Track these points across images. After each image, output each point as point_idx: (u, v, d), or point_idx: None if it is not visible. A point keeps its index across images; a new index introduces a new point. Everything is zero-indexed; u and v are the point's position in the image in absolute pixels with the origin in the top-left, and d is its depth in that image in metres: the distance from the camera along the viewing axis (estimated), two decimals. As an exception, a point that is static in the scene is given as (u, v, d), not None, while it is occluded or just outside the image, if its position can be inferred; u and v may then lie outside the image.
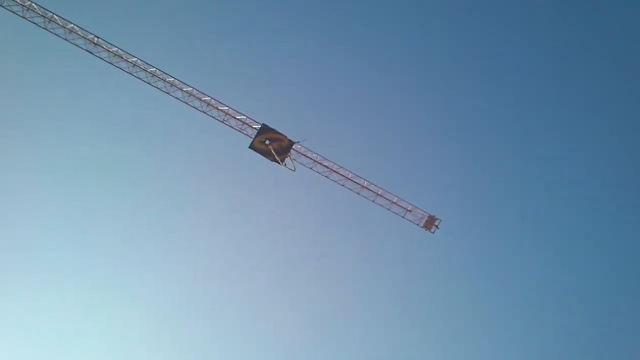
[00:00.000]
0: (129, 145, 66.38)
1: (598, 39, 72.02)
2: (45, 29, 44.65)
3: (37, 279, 63.03)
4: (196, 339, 65.65)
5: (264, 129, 46.01)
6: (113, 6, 64.05)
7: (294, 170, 46.57)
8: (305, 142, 46.47)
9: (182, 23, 67.33)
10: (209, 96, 46.06)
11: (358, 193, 47.61)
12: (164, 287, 66.75)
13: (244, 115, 46.41)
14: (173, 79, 45.65)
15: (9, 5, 44.22)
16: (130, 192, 66.49)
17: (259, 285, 68.78)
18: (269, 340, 66.71)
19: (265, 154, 46.57)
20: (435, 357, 68.29)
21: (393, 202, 47.65)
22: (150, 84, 45.67)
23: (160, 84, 45.73)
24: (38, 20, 44.53)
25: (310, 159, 46.90)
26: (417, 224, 48.14)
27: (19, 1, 44.10)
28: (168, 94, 45.91)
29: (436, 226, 47.95)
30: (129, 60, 45.25)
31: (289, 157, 46.49)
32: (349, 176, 47.24)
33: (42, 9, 44.54)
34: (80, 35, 44.83)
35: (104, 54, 45.19)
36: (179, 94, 45.93)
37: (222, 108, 46.26)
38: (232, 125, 46.58)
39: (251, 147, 46.31)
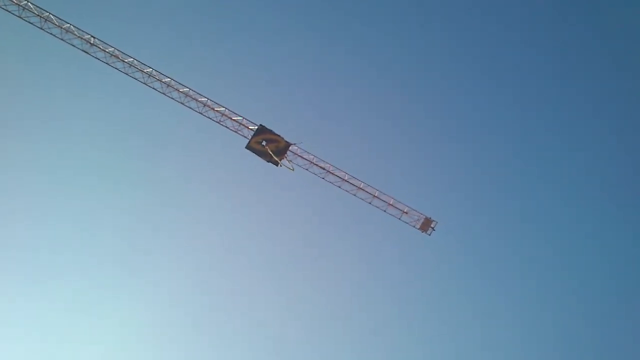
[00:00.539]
0: (125, 145, 66.23)
1: (598, 39, 72.29)
2: (42, 28, 44.54)
3: (35, 279, 62.98)
4: (194, 339, 65.58)
5: (261, 130, 45.96)
6: (109, 6, 63.94)
7: (293, 170, 46.53)
8: (302, 144, 46.51)
9: (178, 24, 67.22)
10: (205, 97, 46.01)
11: (354, 195, 47.59)
12: (161, 287, 66.67)
13: (241, 116, 46.36)
14: (169, 79, 45.58)
15: (5, 5, 44.10)
16: (126, 192, 66.35)
17: (255, 287, 68.70)
18: (266, 341, 66.65)
19: (262, 154, 46.51)
20: (432, 358, 68.36)
21: (389, 204, 47.63)
22: (146, 85, 45.60)
23: (156, 85, 45.66)
24: (34, 19, 44.43)
25: (307, 160, 46.85)
26: (414, 226, 48.15)
27: (15, 1, 43.97)
28: (164, 94, 45.84)
29: (432, 228, 47.94)
30: (126, 60, 45.15)
31: (285, 159, 46.44)
32: (346, 178, 47.21)
33: (39, 9, 44.43)
34: (76, 35, 44.72)
35: (100, 54, 45.09)
36: (175, 94, 45.85)
37: (218, 109, 46.19)
38: (228, 126, 46.51)
39: (248, 147, 46.26)
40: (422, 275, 70.38)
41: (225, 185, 69.64)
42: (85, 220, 64.88)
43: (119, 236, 65.81)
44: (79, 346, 62.89)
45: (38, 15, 44.30)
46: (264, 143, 46.15)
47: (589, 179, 71.70)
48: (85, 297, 63.71)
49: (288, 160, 46.48)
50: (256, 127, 46.05)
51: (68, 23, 44.66)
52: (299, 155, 46.73)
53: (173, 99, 45.92)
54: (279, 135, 46.05)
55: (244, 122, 46.37)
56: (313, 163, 46.90)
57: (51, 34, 44.62)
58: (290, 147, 46.28)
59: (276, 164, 46.45)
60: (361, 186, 47.39)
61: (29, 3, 44.18)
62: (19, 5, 44.07)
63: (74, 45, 44.91)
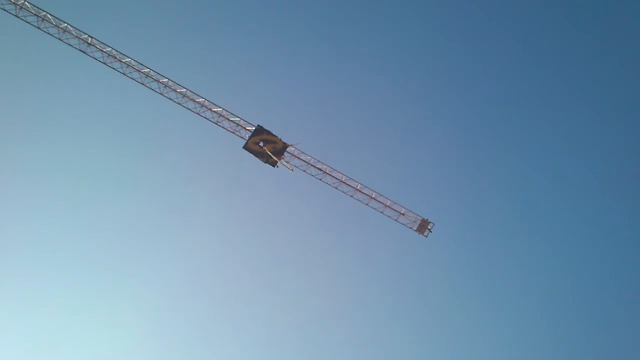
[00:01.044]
0: (122, 146, 66.19)
1: (598, 39, 72.48)
2: (39, 28, 44.38)
3: (32, 279, 62.87)
4: (193, 340, 65.48)
5: (259, 130, 45.91)
6: (107, 6, 63.87)
7: (292, 170, 46.48)
8: (299, 145, 46.46)
9: (176, 24, 67.23)
10: (203, 97, 45.92)
11: (352, 196, 47.58)
12: (158, 288, 66.55)
13: (238, 117, 46.30)
14: (167, 80, 45.48)
15: (2, 4, 43.93)
16: (123, 192, 66.29)
17: (252, 287, 68.67)
18: (264, 343, 66.61)
19: (259, 155, 46.45)
20: (429, 358, 68.42)
21: (386, 206, 47.62)
22: (144, 85, 45.49)
23: (154, 85, 45.57)
24: (31, 19, 44.28)
25: (304, 161, 46.82)
26: (411, 228, 48.16)
27: (12, 0, 43.82)
28: (162, 95, 45.74)
29: (429, 230, 47.96)
30: (123, 60, 45.04)
31: (282, 159, 46.39)
32: (343, 179, 47.19)
33: (36, 8, 44.28)
34: (74, 35, 44.59)
35: (98, 54, 44.98)
36: (173, 95, 45.76)
37: (216, 109, 46.11)
38: (225, 126, 46.44)
39: (245, 147, 46.20)
40: (418, 276, 70.48)
41: (223, 186, 69.67)
42: (81, 220, 64.79)
43: (115, 237, 65.73)
44: (74, 349, 62.87)
45: (35, 14, 44.15)
46: (261, 144, 46.09)
47: (589, 179, 72.09)
48: (82, 298, 63.70)
49: (286, 161, 46.45)
50: (254, 128, 46.00)
51: (65, 22, 44.54)
52: (297, 157, 46.68)
53: (170, 99, 45.83)
54: (276, 136, 46.01)
55: (242, 122, 46.31)
56: (310, 164, 46.86)
57: (48, 33, 44.48)
58: (287, 148, 46.23)
59: (274, 164, 46.40)
60: (358, 187, 47.39)
61: (26, 2, 44.03)
62: (16, 4, 43.92)
63: (71, 45, 44.79)
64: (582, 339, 68.96)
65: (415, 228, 48.13)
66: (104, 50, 44.90)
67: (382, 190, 47.60)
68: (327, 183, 47.27)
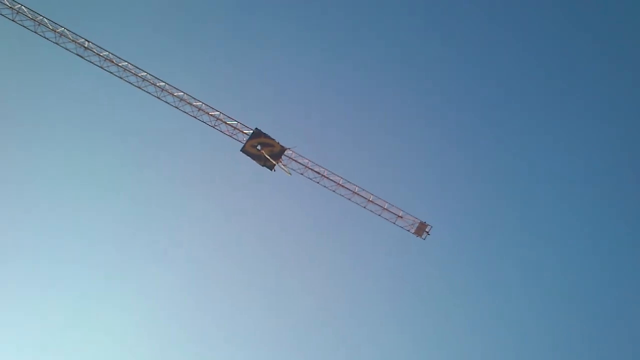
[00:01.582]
0: (120, 149, 66.14)
1: (598, 39, 72.61)
2: (35, 32, 44.33)
3: (30, 280, 62.82)
4: (192, 341, 65.45)
5: (257, 134, 45.87)
6: (104, 10, 63.86)
7: (290, 174, 46.43)
8: (297, 148, 46.45)
9: (173, 28, 67.21)
10: (200, 101, 45.88)
11: (349, 199, 47.56)
12: (156, 290, 66.49)
13: (235, 120, 46.27)
14: (164, 83, 45.44)
15: (-1, 8, 43.89)
16: (120, 196, 66.21)
17: (251, 291, 68.60)
18: (262, 345, 66.52)
19: (257, 158, 46.43)
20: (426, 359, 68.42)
21: (384, 209, 47.59)
22: (141, 89, 45.43)
23: (151, 89, 45.50)
24: (28, 23, 44.21)
25: (302, 164, 46.79)
26: (408, 230, 48.12)
27: (8, 4, 43.78)
28: (159, 98, 45.69)
29: (427, 232, 47.93)
30: (120, 64, 44.99)
31: (280, 163, 46.36)
32: (341, 182, 47.16)
33: (32, 12, 44.24)
34: (70, 39, 44.54)
35: (95, 58, 44.92)
36: (170, 98, 45.71)
37: (213, 113, 46.07)
38: (223, 130, 46.40)
39: (243, 150, 46.16)
40: (416, 279, 70.46)
41: (220, 190, 69.63)
42: (78, 223, 64.71)
43: (112, 239, 65.66)
44: (74, 349, 62.76)
45: (32, 19, 44.10)
46: (259, 147, 46.06)
47: (588, 180, 72.18)
48: (80, 299, 63.61)
49: (283, 165, 46.42)
50: (251, 131, 45.97)
51: (62, 27, 44.49)
52: (294, 160, 46.66)
53: (167, 103, 45.79)
54: (274, 139, 45.97)
55: (239, 126, 46.28)
56: (308, 167, 46.84)
57: (45, 37, 44.43)
58: (285, 151, 46.20)
59: (271, 168, 46.37)
60: (356, 190, 47.36)
61: (23, 7, 43.98)
62: (12, 8, 43.87)
63: (68, 49, 44.72)
64: (582, 340, 69.02)
65: (413, 231, 48.11)
66: (101, 54, 44.86)
67: (379, 193, 47.66)
68: (324, 186, 47.27)
